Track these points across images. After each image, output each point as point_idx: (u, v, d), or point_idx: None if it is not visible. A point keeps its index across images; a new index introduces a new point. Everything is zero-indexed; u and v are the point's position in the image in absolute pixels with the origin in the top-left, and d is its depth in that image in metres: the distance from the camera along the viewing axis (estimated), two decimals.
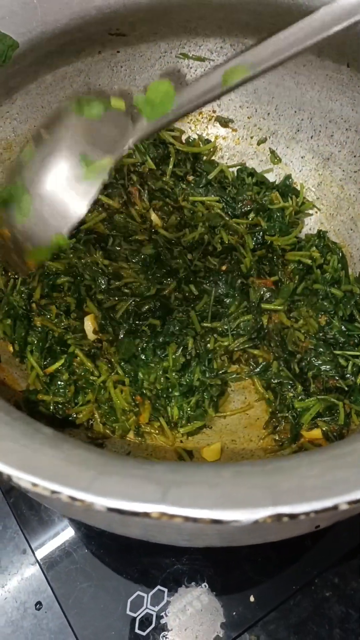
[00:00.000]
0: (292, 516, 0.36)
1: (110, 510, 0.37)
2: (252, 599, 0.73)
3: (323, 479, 0.38)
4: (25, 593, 0.74)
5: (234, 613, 0.72)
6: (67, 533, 0.77)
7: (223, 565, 0.75)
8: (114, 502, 0.37)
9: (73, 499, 0.37)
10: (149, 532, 0.48)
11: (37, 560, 0.75)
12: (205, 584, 0.73)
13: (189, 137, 0.91)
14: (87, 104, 0.61)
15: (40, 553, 0.76)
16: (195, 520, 0.36)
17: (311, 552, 0.75)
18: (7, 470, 0.39)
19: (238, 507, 0.37)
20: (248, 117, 0.90)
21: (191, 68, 0.86)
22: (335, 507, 0.36)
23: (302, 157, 0.89)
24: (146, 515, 0.37)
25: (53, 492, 0.38)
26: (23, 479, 0.38)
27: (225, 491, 0.38)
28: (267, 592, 0.73)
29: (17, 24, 0.68)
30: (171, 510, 0.37)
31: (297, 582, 0.74)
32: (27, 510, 0.78)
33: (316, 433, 0.74)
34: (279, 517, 0.36)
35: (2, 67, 0.68)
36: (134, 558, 0.75)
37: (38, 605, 0.74)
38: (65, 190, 0.59)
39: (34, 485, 0.38)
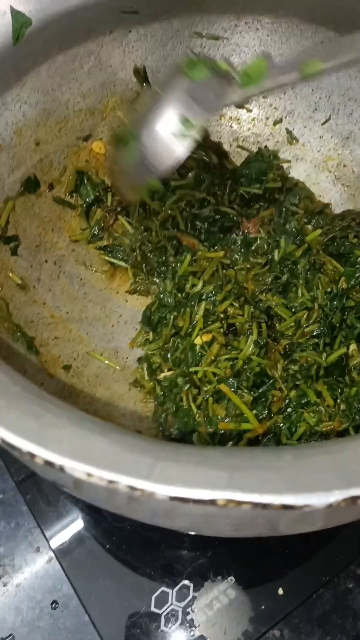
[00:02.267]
0: None
1: (173, 499, 0.35)
2: (280, 591, 0.71)
3: None
4: (41, 592, 0.72)
5: (263, 607, 0.70)
6: (85, 529, 0.75)
7: (249, 557, 0.73)
8: (176, 490, 0.35)
9: (132, 488, 0.35)
10: (195, 523, 0.46)
11: (57, 558, 0.73)
12: (231, 577, 0.72)
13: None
14: (193, 66, 0.68)
15: (59, 550, 0.74)
16: (264, 506, 0.34)
17: (338, 541, 0.74)
18: (60, 460, 0.36)
19: (309, 490, 0.35)
20: (263, 97, 0.88)
21: (204, 47, 0.84)
22: None
23: (320, 137, 0.88)
24: (212, 502, 0.35)
25: (110, 481, 0.36)
26: (77, 469, 0.36)
27: (292, 474, 0.36)
28: (295, 585, 0.71)
29: (30, 2, 0.66)
30: (239, 497, 0.34)
31: (326, 573, 0.72)
32: (44, 506, 0.76)
33: None
34: (353, 499, 0.34)
35: (15, 46, 0.66)
36: (157, 553, 0.73)
37: (54, 604, 0.72)
38: (163, 143, 0.67)
39: (89, 475, 0.36)
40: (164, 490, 0.35)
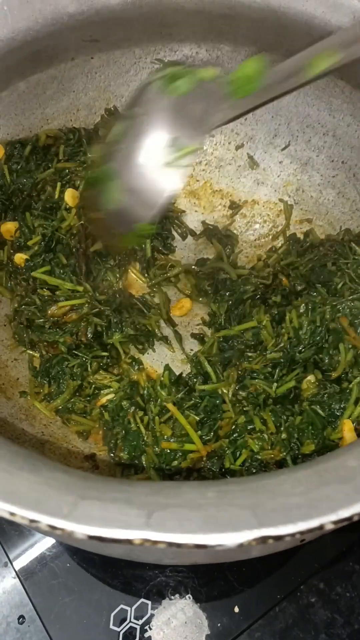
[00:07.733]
0: (277, 538, 0.35)
1: (91, 538, 0.36)
2: (236, 609, 0.72)
3: (308, 496, 0.38)
4: (8, 607, 0.73)
5: (219, 624, 0.71)
6: (47, 545, 0.76)
7: (206, 576, 0.73)
8: (94, 530, 0.36)
9: (53, 527, 0.36)
10: (133, 552, 0.48)
11: (17, 574, 0.74)
12: (189, 595, 0.72)
13: None
14: (174, 81, 0.59)
15: (19, 565, 0.75)
16: (179, 545, 0.36)
17: (295, 560, 0.75)
18: None
19: (222, 530, 0.36)
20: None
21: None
22: (320, 527, 0.36)
23: (280, 162, 0.89)
24: (128, 542, 0.36)
25: (32, 521, 0.37)
26: (1, 508, 0.37)
27: (209, 513, 0.37)
28: (251, 602, 0.72)
29: None
30: (154, 537, 0.36)
31: (282, 590, 0.73)
32: (4, 523, 0.77)
33: None
34: (264, 539, 0.35)
35: None
36: (117, 571, 0.74)
37: (21, 619, 0.72)
38: (151, 178, 0.59)
39: (12, 514, 0.37)
40: (82, 530, 0.36)
